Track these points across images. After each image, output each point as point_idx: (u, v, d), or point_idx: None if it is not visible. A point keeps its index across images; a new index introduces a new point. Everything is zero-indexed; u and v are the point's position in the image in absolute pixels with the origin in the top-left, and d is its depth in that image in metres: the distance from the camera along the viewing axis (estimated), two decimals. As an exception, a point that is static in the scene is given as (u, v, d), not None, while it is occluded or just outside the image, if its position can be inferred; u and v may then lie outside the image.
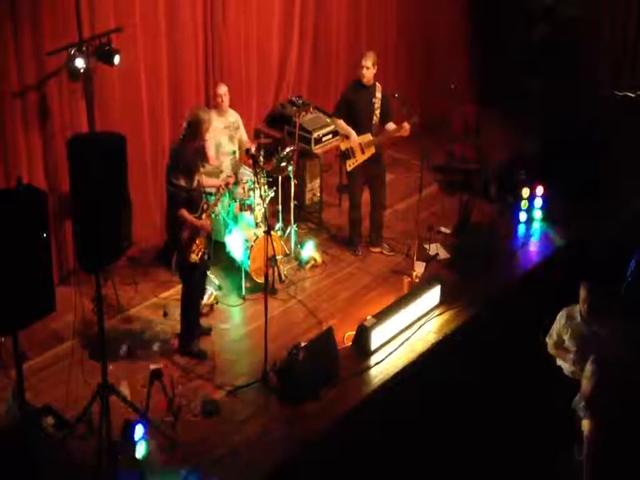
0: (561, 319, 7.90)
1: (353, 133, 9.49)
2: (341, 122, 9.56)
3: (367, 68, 9.35)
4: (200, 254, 8.04)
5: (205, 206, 8.05)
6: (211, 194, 8.30)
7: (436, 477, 7.53)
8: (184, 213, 7.83)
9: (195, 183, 7.88)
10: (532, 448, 7.71)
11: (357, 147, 9.50)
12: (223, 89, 9.42)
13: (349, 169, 9.67)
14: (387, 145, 10.01)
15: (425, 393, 8.07)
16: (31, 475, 6.77)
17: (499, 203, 11.08)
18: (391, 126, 9.54)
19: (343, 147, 9.66)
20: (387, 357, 8.47)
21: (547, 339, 8.00)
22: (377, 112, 9.49)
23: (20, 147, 8.41)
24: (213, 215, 8.70)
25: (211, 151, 9.41)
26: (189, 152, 7.87)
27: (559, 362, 7.94)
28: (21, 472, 6.74)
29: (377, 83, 9.51)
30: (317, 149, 10.45)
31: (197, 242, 7.97)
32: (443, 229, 10.44)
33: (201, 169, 8.19)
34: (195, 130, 7.83)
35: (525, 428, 7.85)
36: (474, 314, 9.11)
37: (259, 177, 8.96)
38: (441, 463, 7.58)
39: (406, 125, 9.37)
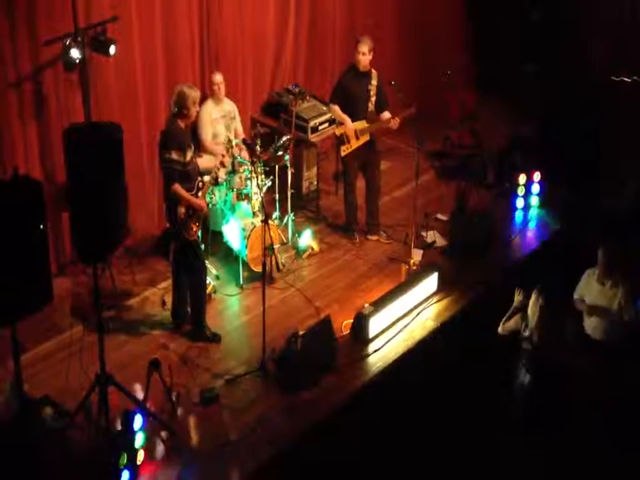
0: (583, 278, 8.36)
1: (347, 120, 9.49)
2: (337, 108, 9.57)
3: (363, 54, 9.35)
4: (197, 233, 8.08)
5: (201, 184, 8.06)
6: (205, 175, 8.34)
7: (436, 465, 7.54)
8: (178, 188, 7.81)
9: (188, 158, 7.87)
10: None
11: (351, 133, 9.51)
12: (218, 78, 9.44)
13: (342, 154, 9.68)
14: (380, 133, 10.01)
15: (423, 380, 8.08)
16: (31, 465, 6.79)
17: (496, 189, 11.08)
18: (385, 115, 9.55)
19: (337, 132, 9.68)
20: (385, 344, 8.49)
21: (574, 296, 8.39)
22: (373, 99, 9.49)
23: (16, 138, 8.40)
24: (209, 198, 8.73)
25: (207, 138, 9.42)
26: (178, 127, 7.85)
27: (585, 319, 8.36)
28: (21, 462, 6.76)
29: (373, 70, 9.51)
30: (314, 138, 10.43)
31: (194, 220, 7.99)
32: (440, 216, 10.45)
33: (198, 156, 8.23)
34: (182, 105, 7.80)
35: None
36: (472, 300, 9.13)
37: (255, 166, 8.97)
38: (442, 448, 7.61)
39: (396, 119, 9.44)
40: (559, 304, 8.01)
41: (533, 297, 7.83)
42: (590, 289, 8.27)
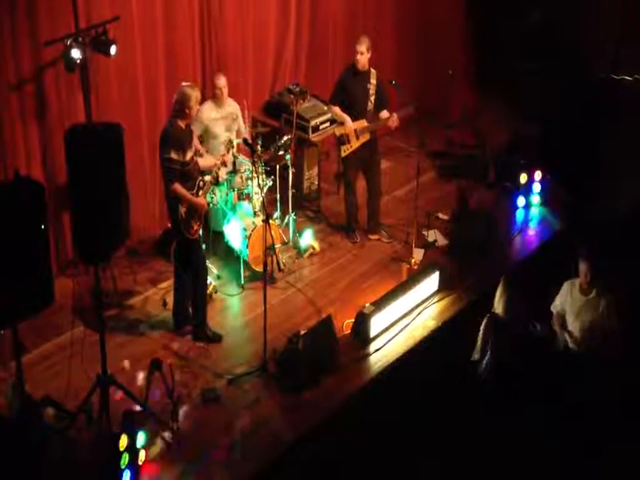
0: (563, 290, 8.23)
1: (347, 119, 9.50)
2: (337, 108, 9.58)
3: (361, 53, 9.36)
4: (198, 233, 8.09)
5: (201, 183, 8.07)
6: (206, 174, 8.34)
7: (435, 465, 7.55)
8: (178, 187, 7.82)
9: (188, 158, 7.88)
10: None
11: (351, 133, 9.51)
12: (222, 81, 9.28)
13: (343, 154, 9.68)
14: (380, 131, 10.02)
15: (424, 379, 8.09)
16: (32, 466, 6.80)
17: (498, 188, 11.08)
18: (384, 114, 9.55)
19: (337, 132, 9.67)
20: (386, 343, 8.49)
21: (552, 309, 8.31)
22: (372, 98, 9.49)
23: (17, 139, 8.40)
24: (210, 199, 8.73)
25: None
26: (177, 127, 7.86)
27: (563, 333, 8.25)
28: (22, 463, 6.76)
29: (372, 69, 9.51)
30: (315, 137, 10.43)
31: (195, 219, 8.00)
32: (441, 215, 10.45)
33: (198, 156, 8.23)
34: (182, 105, 7.81)
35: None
36: (473, 300, 9.13)
37: (256, 165, 8.97)
38: (441, 448, 7.61)
39: (394, 117, 9.42)
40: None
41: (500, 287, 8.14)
42: (572, 300, 8.13)
